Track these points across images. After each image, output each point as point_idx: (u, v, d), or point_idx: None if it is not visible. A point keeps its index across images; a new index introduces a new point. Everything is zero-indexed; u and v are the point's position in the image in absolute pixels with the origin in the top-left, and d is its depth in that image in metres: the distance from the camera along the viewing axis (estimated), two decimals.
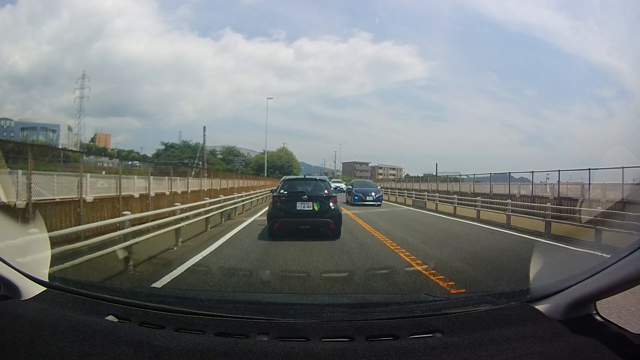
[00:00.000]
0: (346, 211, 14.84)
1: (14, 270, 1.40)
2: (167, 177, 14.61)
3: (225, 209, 11.13)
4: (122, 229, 5.48)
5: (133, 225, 5.77)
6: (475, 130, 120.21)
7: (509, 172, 23.97)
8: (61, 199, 8.25)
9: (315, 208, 7.72)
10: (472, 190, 24.63)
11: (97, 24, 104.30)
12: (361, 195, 18.81)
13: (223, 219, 10.83)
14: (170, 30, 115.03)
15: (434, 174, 49.41)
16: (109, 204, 9.99)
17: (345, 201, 19.50)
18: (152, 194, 12.55)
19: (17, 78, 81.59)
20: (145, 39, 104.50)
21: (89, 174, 9.81)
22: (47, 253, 1.84)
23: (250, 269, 5.12)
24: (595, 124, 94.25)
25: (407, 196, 23.30)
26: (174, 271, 4.87)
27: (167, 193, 13.92)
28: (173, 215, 7.34)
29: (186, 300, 1.83)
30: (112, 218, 6.83)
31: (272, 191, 9.35)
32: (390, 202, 25.04)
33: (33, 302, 1.38)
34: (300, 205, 7.73)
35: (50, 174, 9.01)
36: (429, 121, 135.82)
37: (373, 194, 19.09)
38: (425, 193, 22.72)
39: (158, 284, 4.24)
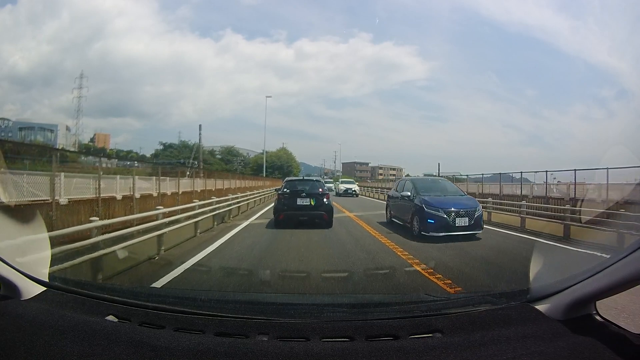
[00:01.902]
0: (348, 212, 13.69)
1: (14, 270, 1.39)
2: (154, 177, 13.48)
3: (218, 211, 10.22)
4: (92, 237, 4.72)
5: (107, 232, 5.10)
6: (475, 131, 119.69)
7: (521, 172, 22.68)
8: (30, 201, 7.33)
9: (312, 203, 9.49)
10: (480, 191, 23.63)
11: (97, 24, 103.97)
12: (442, 214, 7.84)
13: (215, 223, 9.91)
14: (171, 30, 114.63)
15: (434, 174, 48.52)
16: (87, 207, 8.99)
17: (385, 220, 10.56)
18: (138, 195, 11.51)
19: (17, 78, 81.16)
20: (145, 39, 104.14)
21: (62, 174, 8.75)
22: (47, 253, 1.81)
23: (250, 269, 5.07)
24: (595, 124, 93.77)
25: None
26: (154, 284, 4.30)
27: (155, 195, 12.87)
28: (157, 219, 6.55)
29: (186, 300, 1.81)
30: (89, 222, 6.16)
31: (276, 190, 11.09)
32: None
33: (33, 302, 1.38)
34: (300, 201, 9.51)
35: (19, 172, 8.06)
36: (429, 121, 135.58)
37: (467, 211, 8.02)
38: None
39: (157, 284, 4.18)
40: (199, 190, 16.63)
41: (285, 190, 9.86)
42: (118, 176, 11.69)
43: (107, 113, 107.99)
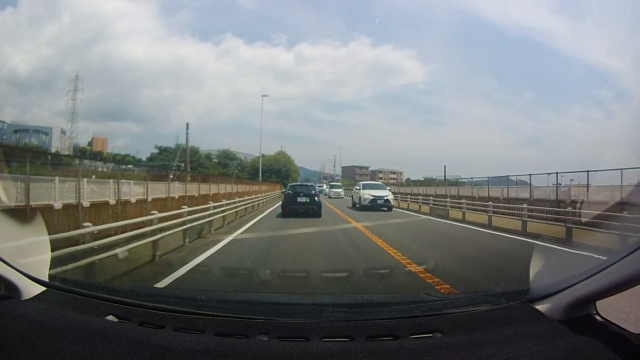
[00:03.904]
0: (358, 225, 11.07)
1: (14, 270, 1.39)
2: (112, 180, 11.50)
3: (190, 224, 8.00)
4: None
5: None
6: (474, 133, 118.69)
7: (555, 172, 19.22)
8: None
9: (307, 201, 14.19)
10: (503, 195, 21.72)
11: (97, 28, 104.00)
12: None
13: (187, 240, 7.71)
14: (171, 34, 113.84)
15: (434, 177, 47.64)
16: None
17: None
18: (87, 203, 9.65)
19: (16, 81, 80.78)
20: (145, 42, 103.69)
21: None
22: (47, 254, 1.81)
23: (250, 269, 5.10)
24: (595, 125, 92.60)
25: (423, 202, 19.25)
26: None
27: (113, 202, 10.90)
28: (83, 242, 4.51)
29: (186, 300, 1.80)
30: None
31: (282, 192, 16.45)
32: (402, 209, 20.17)
33: (33, 302, 1.38)
34: (299, 199, 14.30)
35: None
36: (428, 124, 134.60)
37: None
38: (448, 199, 17.11)
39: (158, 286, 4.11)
40: (176, 197, 14.74)
41: (289, 192, 15.34)
42: (57, 178, 9.46)
43: (107, 117, 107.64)
